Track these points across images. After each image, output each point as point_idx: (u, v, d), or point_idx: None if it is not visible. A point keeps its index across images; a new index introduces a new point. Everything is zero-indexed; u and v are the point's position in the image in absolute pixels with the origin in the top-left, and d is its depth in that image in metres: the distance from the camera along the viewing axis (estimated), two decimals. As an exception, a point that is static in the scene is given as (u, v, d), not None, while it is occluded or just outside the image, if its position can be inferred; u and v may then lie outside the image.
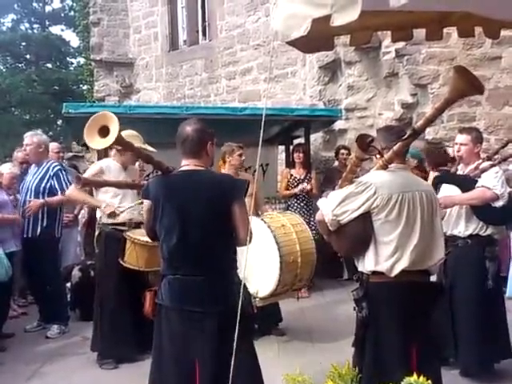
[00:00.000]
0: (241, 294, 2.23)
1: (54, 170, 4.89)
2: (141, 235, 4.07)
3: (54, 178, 4.83)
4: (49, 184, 4.82)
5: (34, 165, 5.05)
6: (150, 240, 3.91)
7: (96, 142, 2.40)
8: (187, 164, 2.54)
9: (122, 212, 4.08)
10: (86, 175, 4.26)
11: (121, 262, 4.03)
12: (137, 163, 5.39)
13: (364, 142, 2.46)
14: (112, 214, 4.06)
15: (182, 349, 2.43)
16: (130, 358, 4.08)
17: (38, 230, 4.82)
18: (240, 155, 4.72)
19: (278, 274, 3.89)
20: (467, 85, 2.30)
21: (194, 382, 2.40)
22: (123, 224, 4.15)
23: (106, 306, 4.13)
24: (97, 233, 4.28)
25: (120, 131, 2.37)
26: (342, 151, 6.68)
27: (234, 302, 2.37)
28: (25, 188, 4.94)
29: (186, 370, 2.42)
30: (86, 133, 2.40)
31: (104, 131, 2.36)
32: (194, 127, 2.53)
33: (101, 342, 4.14)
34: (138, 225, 4.24)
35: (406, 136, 2.50)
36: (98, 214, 4.26)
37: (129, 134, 4.04)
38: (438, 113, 2.45)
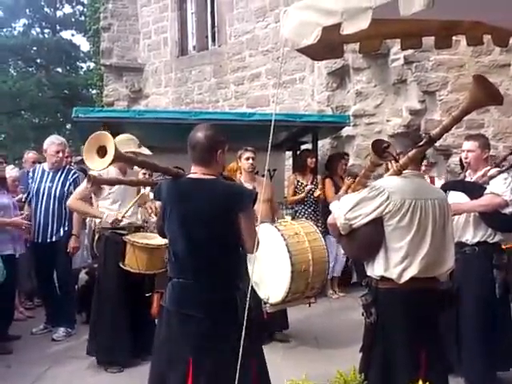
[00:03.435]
0: (247, 300, 2.22)
1: (74, 176, 5.00)
2: (140, 238, 4.10)
3: (72, 185, 4.90)
4: (69, 190, 4.85)
5: (47, 169, 5.02)
6: (149, 243, 4.00)
7: (95, 163, 2.40)
8: (196, 172, 2.53)
9: (123, 217, 4.09)
10: (84, 184, 4.22)
11: (121, 265, 4.04)
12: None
13: (379, 147, 2.46)
14: (116, 222, 4.07)
15: (177, 352, 2.44)
16: (130, 363, 4.08)
17: (62, 234, 4.88)
18: (247, 158, 4.71)
19: (288, 283, 3.90)
20: (486, 95, 2.28)
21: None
22: (123, 228, 4.16)
23: (105, 310, 4.14)
24: (96, 237, 4.29)
25: (117, 149, 2.35)
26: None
27: (235, 309, 2.38)
28: (44, 193, 4.90)
29: (180, 373, 2.42)
30: (85, 154, 2.42)
31: (103, 151, 2.37)
32: (205, 134, 2.49)
33: (98, 346, 4.14)
34: (137, 228, 4.28)
35: (421, 143, 2.50)
36: None
37: (124, 138, 4.07)
38: (455, 121, 2.43)
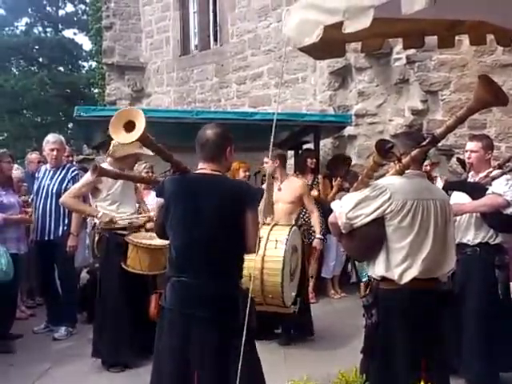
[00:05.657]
0: (248, 302, 2.21)
1: (73, 174, 4.97)
2: (143, 239, 4.08)
3: (71, 182, 4.87)
4: (67, 188, 4.82)
5: (48, 168, 5.04)
6: (152, 243, 3.97)
7: (122, 136, 2.38)
8: (204, 168, 2.51)
9: (118, 220, 4.07)
10: (81, 182, 4.25)
11: (124, 266, 4.02)
12: (144, 167, 5.42)
13: (383, 147, 2.45)
14: (109, 223, 4.05)
15: (180, 353, 2.40)
16: (134, 363, 4.07)
17: (60, 232, 4.87)
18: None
19: None
20: (491, 96, 2.26)
21: None
22: (123, 228, 4.14)
23: (108, 311, 4.13)
24: (97, 238, 4.25)
25: (145, 128, 2.33)
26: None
27: (237, 309, 2.34)
28: (43, 191, 4.92)
29: (184, 375, 2.39)
30: (111, 127, 2.38)
31: (130, 126, 2.34)
32: (214, 131, 2.50)
33: (103, 347, 4.13)
34: (138, 228, 4.26)
35: (425, 143, 2.49)
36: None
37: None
38: (459, 121, 2.42)
